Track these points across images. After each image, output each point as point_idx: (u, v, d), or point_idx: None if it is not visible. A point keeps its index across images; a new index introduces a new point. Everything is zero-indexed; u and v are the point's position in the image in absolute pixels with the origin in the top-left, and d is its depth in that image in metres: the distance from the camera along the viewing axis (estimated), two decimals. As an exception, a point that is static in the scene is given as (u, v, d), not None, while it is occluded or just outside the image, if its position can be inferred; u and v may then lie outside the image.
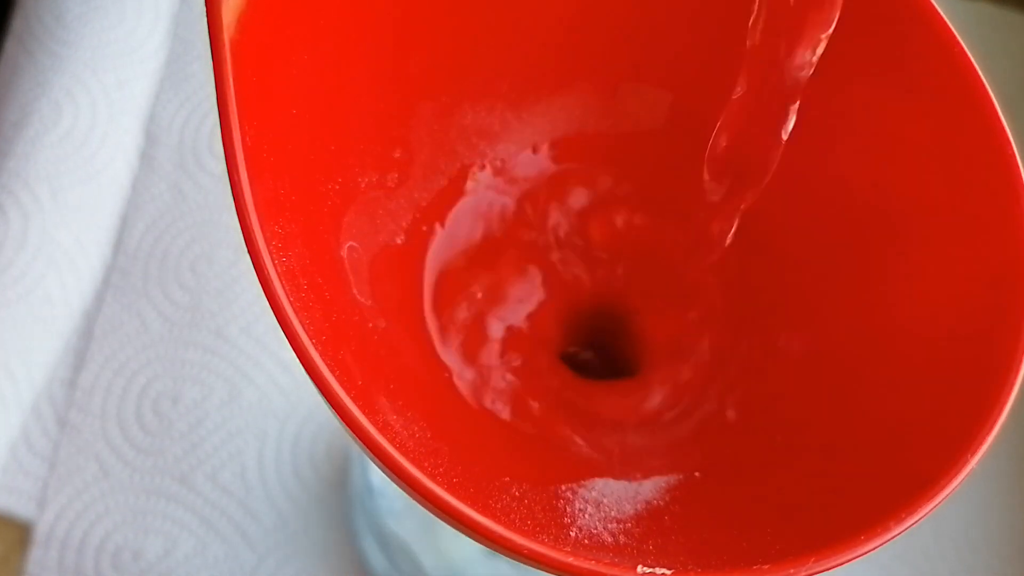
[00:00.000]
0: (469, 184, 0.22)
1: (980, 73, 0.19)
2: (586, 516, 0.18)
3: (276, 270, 0.14)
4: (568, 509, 0.18)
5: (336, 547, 0.37)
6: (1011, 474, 0.40)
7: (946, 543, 0.39)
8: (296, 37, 0.18)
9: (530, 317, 0.23)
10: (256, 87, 0.16)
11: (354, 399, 0.14)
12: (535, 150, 0.23)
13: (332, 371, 0.14)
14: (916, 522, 0.15)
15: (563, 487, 0.19)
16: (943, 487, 0.16)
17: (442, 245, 0.22)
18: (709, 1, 0.21)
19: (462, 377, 0.21)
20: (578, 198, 0.23)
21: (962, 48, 0.19)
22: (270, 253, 0.14)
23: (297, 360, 0.14)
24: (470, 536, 0.14)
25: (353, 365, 0.16)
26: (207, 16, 0.15)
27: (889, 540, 0.15)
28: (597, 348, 0.24)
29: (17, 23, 0.44)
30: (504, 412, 0.21)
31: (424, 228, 0.22)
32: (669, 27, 0.21)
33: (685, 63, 0.22)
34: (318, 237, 0.18)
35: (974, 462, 0.16)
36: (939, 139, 0.19)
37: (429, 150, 0.21)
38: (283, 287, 0.14)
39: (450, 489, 0.15)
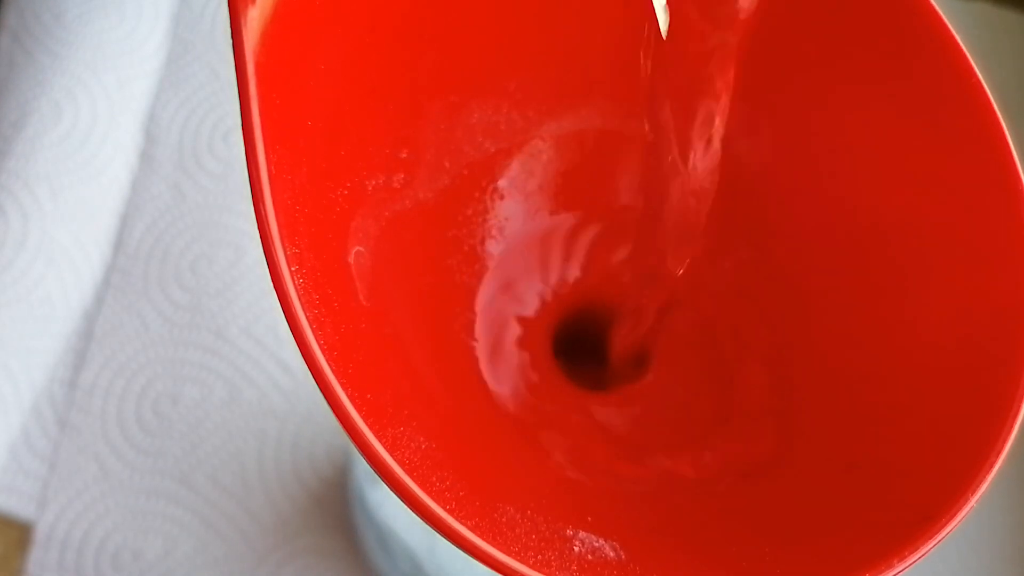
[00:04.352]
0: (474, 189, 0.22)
1: (980, 76, 0.19)
2: (589, 528, 0.18)
3: (299, 300, 0.14)
4: (572, 521, 0.18)
5: (336, 547, 0.37)
6: (1011, 475, 0.40)
7: (946, 543, 0.39)
8: (315, 47, 0.18)
9: (534, 320, 0.23)
10: (278, 106, 0.16)
11: (365, 418, 0.14)
12: (541, 151, 0.23)
13: (344, 388, 0.14)
14: (918, 559, 0.15)
15: (568, 498, 0.19)
16: (945, 524, 0.15)
17: (448, 248, 0.22)
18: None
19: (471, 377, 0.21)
20: (585, 207, 0.23)
21: (962, 50, 0.19)
22: (291, 278, 0.14)
23: (318, 388, 0.14)
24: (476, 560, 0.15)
25: (362, 379, 0.16)
26: (232, 39, 0.15)
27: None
28: (598, 355, 0.24)
29: (13, 20, 0.44)
30: (511, 420, 0.21)
31: (430, 230, 0.22)
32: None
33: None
34: (327, 245, 0.18)
35: (974, 500, 0.16)
36: (938, 148, 0.19)
37: (435, 149, 0.21)
38: (305, 317, 0.14)
39: (456, 503, 0.15)
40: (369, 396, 0.16)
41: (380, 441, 0.14)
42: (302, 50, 0.17)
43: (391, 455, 0.14)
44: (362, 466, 0.36)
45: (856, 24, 0.20)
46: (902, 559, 0.15)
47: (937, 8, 0.19)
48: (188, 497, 0.38)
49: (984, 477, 0.16)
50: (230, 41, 0.15)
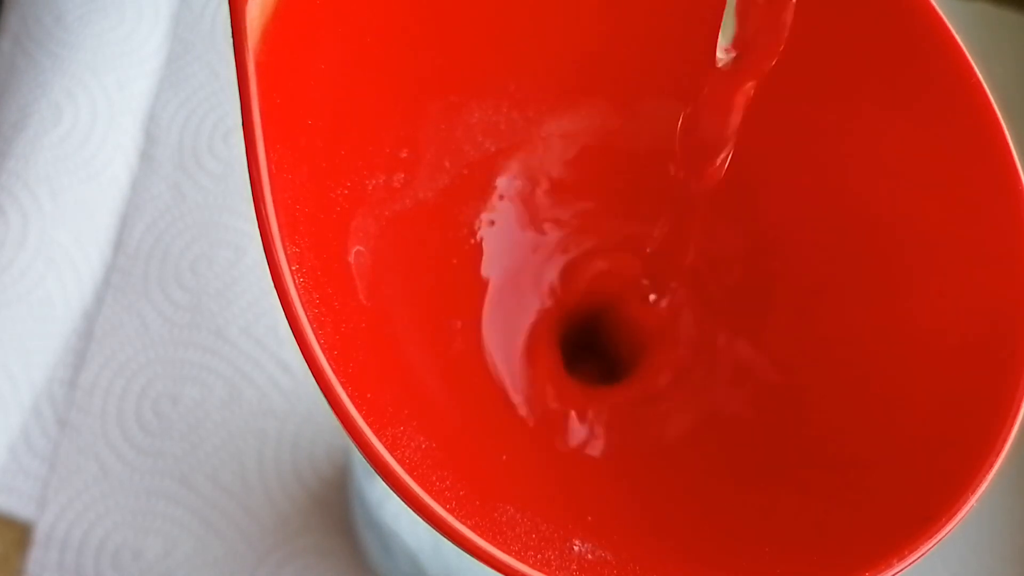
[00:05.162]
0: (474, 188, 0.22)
1: (980, 76, 0.19)
2: (589, 527, 0.18)
3: (299, 300, 0.14)
4: (571, 520, 0.18)
5: (336, 547, 0.37)
6: (1011, 475, 0.40)
7: (946, 543, 0.39)
8: (315, 47, 0.18)
9: (536, 320, 0.23)
10: (278, 105, 0.16)
11: (365, 417, 0.14)
12: (542, 151, 0.23)
13: (344, 388, 0.14)
14: (918, 559, 0.15)
15: (568, 497, 0.19)
16: (944, 524, 0.15)
17: (448, 248, 0.22)
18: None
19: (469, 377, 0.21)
20: (584, 206, 0.23)
21: (962, 50, 0.19)
22: (292, 277, 0.15)
23: (318, 388, 0.14)
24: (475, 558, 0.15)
25: (362, 379, 0.16)
26: (233, 38, 0.15)
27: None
28: (600, 354, 0.24)
29: (14, 22, 0.44)
30: (512, 419, 0.21)
31: (430, 230, 0.22)
32: (693, 46, 0.21)
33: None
34: (327, 245, 0.18)
35: (974, 500, 0.16)
36: (938, 148, 0.19)
37: (435, 149, 0.21)
38: (305, 317, 0.14)
39: (456, 502, 0.15)
40: (369, 396, 0.16)
41: (380, 441, 0.14)
42: (303, 49, 0.17)
43: (391, 455, 0.14)
44: (362, 466, 0.36)
45: (856, 25, 0.20)
46: (902, 559, 0.15)
47: (937, 8, 0.19)
48: (188, 497, 0.38)
49: (984, 477, 0.16)
50: (231, 40, 0.16)
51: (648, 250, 0.23)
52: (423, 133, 0.21)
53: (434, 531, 0.15)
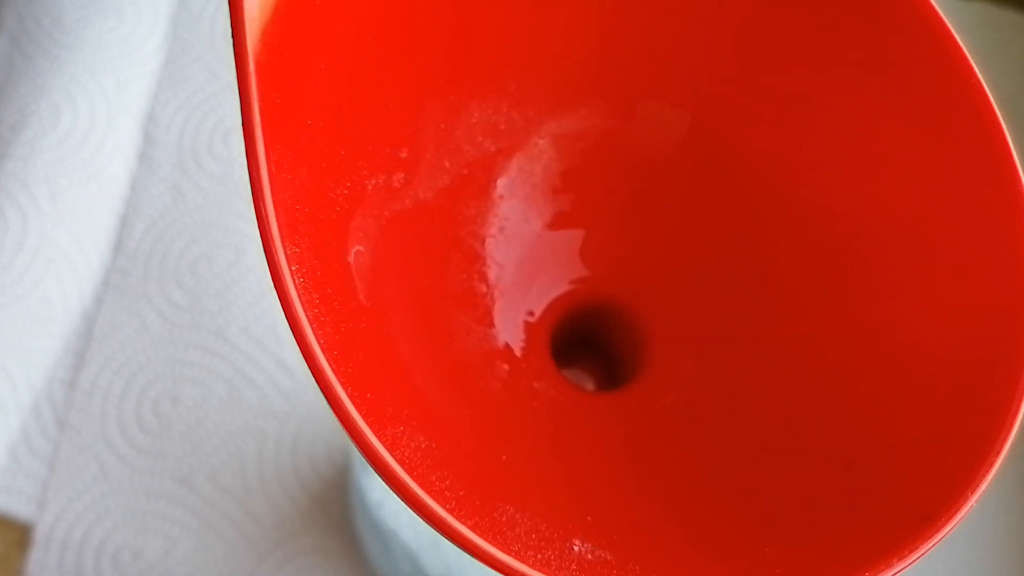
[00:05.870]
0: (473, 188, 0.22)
1: (980, 76, 0.19)
2: (589, 527, 0.18)
3: (299, 300, 0.14)
4: (571, 520, 0.18)
5: (336, 547, 0.37)
6: (1011, 475, 0.40)
7: (946, 543, 0.39)
8: (315, 47, 0.18)
9: (534, 320, 0.23)
10: (278, 105, 0.16)
11: (365, 417, 0.14)
12: (541, 151, 0.23)
13: (344, 388, 0.14)
14: (918, 559, 0.15)
15: (568, 497, 0.19)
16: (944, 524, 0.15)
17: (448, 248, 0.22)
18: (733, 23, 0.21)
19: (469, 377, 0.21)
20: (583, 205, 0.23)
21: (962, 50, 0.19)
22: (292, 277, 0.15)
23: (318, 388, 0.14)
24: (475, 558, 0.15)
25: (362, 379, 0.16)
26: (233, 38, 0.15)
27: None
28: (601, 354, 0.24)
29: (12, 23, 0.44)
30: (511, 419, 0.21)
31: (430, 230, 0.22)
32: (691, 47, 0.21)
33: (706, 84, 0.22)
34: (327, 245, 0.18)
35: (974, 500, 0.16)
36: (938, 147, 0.19)
37: (435, 149, 0.21)
38: (305, 317, 0.14)
39: (456, 502, 0.15)
40: (369, 396, 0.16)
41: (380, 440, 0.14)
42: (303, 49, 0.17)
43: (391, 454, 0.14)
44: (362, 466, 0.36)
45: (856, 24, 0.20)
46: (902, 559, 0.15)
47: (937, 8, 0.19)
48: (188, 497, 0.38)
49: (984, 477, 0.16)
50: (230, 40, 0.16)
51: (647, 250, 0.23)
52: (423, 133, 0.21)
53: (432, 531, 0.15)
